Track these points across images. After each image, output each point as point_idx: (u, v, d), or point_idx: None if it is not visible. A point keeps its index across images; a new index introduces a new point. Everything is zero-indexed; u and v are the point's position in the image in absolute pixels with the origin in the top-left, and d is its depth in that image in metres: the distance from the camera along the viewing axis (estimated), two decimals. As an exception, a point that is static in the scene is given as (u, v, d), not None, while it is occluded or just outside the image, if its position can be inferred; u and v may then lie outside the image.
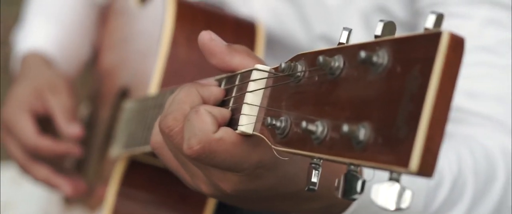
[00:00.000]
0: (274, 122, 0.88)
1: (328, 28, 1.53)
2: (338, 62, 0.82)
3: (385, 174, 0.76)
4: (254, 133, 0.94)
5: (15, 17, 2.39)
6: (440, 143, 0.72)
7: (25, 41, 1.84)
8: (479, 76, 1.35)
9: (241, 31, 1.50)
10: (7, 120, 1.64)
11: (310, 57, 0.88)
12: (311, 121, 0.82)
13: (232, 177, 0.99)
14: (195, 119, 0.95)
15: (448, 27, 1.35)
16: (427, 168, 0.72)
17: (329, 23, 1.52)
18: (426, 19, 0.76)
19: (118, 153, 1.48)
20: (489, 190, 1.29)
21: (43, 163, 1.63)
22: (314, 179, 0.86)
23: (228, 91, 1.02)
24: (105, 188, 1.51)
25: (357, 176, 0.80)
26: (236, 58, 1.01)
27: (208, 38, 1.02)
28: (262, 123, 0.93)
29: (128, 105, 1.51)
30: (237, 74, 1.01)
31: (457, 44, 0.73)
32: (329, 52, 0.85)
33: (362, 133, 0.76)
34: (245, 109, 0.95)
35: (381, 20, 0.81)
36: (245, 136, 0.96)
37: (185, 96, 0.99)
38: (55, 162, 1.64)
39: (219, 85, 1.05)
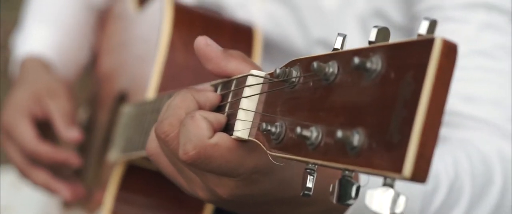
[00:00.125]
0: (269, 127, 0.89)
1: (325, 32, 1.53)
2: (332, 68, 0.83)
3: (381, 179, 0.76)
4: (250, 138, 0.95)
5: (14, 21, 2.39)
6: (433, 149, 0.73)
7: (24, 45, 1.84)
8: (476, 80, 1.36)
9: (239, 36, 1.50)
10: (7, 124, 1.64)
11: (305, 63, 0.88)
12: (306, 127, 0.83)
13: (228, 182, 0.99)
14: (190, 124, 0.95)
15: (445, 31, 1.37)
16: (420, 174, 0.72)
17: (327, 28, 1.53)
18: (419, 25, 0.76)
19: (116, 157, 1.48)
20: (486, 194, 1.29)
21: (42, 167, 1.63)
22: (309, 184, 0.87)
23: (224, 97, 1.03)
24: (103, 192, 1.51)
25: (351, 181, 0.80)
26: (232, 63, 1.02)
27: (203, 43, 1.03)
28: (257, 128, 0.94)
29: (126, 110, 1.51)
30: (233, 79, 1.01)
31: (450, 50, 0.73)
32: (324, 58, 0.85)
33: (356, 138, 0.76)
34: (240, 114, 0.95)
35: (375, 26, 0.82)
36: (240, 141, 0.96)
37: (180, 101, 1.00)
38: (54, 166, 1.64)
39: (215, 90, 1.05)
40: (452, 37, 1.34)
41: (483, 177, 1.29)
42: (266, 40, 1.56)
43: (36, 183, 1.64)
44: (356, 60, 0.78)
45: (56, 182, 1.63)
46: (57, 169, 1.65)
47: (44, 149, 1.59)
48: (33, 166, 1.63)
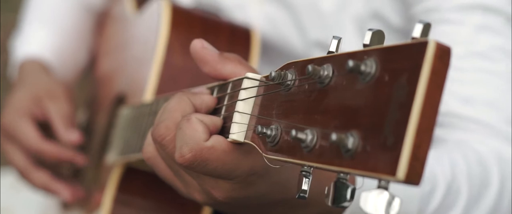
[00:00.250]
0: (264, 130, 0.89)
1: (323, 34, 1.53)
2: (327, 71, 0.83)
3: (376, 181, 0.76)
4: (245, 141, 0.95)
5: (14, 23, 2.39)
6: (427, 151, 0.73)
7: (23, 47, 1.85)
8: (473, 82, 1.36)
9: (236, 38, 1.51)
10: (7, 126, 1.64)
11: (300, 66, 0.89)
12: (301, 129, 0.83)
13: (224, 185, 1.00)
14: (186, 127, 0.95)
15: (442, 33, 1.37)
16: (414, 176, 0.73)
17: (324, 30, 1.53)
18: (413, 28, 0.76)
19: (114, 159, 1.48)
20: (483, 195, 1.29)
21: (43, 168, 1.63)
22: (305, 186, 0.87)
23: (220, 100, 1.03)
24: (102, 193, 1.51)
25: (346, 183, 0.80)
26: (228, 66, 1.02)
27: (200, 46, 1.03)
28: (253, 131, 0.94)
29: (124, 112, 1.51)
30: (229, 82, 1.02)
31: (443, 53, 0.74)
32: (319, 61, 0.85)
33: (351, 141, 0.77)
34: (236, 117, 0.96)
35: (369, 29, 0.82)
36: (236, 144, 0.96)
37: (176, 104, 1.00)
38: (54, 168, 1.65)
39: (211, 93, 1.05)
40: (449, 39, 1.35)
41: (480, 178, 1.29)
42: (264, 42, 1.56)
43: (36, 184, 1.64)
44: (351, 63, 0.78)
45: (56, 182, 1.64)
46: (57, 170, 1.66)
47: (49, 147, 1.59)
48: (34, 166, 1.63)
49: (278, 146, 0.88)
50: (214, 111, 1.03)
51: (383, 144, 0.74)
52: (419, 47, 0.74)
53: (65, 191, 1.63)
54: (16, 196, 1.96)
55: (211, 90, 1.06)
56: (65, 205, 1.83)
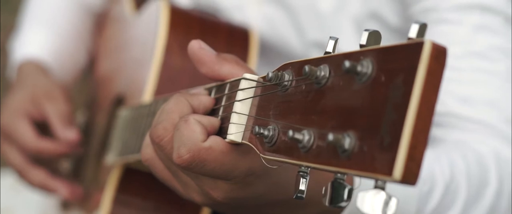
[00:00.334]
0: (262, 131, 0.89)
1: (321, 34, 1.54)
2: (324, 71, 0.83)
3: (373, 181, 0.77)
4: (243, 141, 0.95)
5: (13, 25, 2.40)
6: (423, 151, 0.73)
7: (22, 49, 1.85)
8: (471, 82, 1.36)
9: (235, 39, 1.51)
10: (5, 127, 1.65)
11: (297, 67, 0.89)
12: (298, 130, 0.83)
13: (223, 185, 1.00)
14: (184, 128, 0.96)
15: (440, 33, 1.37)
16: (410, 176, 0.73)
17: (323, 30, 1.53)
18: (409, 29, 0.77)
19: (113, 160, 1.48)
20: (482, 195, 1.29)
21: (41, 166, 1.63)
22: (302, 187, 0.87)
23: (217, 100, 1.03)
24: (101, 194, 1.51)
25: (344, 184, 0.80)
26: (225, 67, 1.02)
27: (197, 47, 1.03)
28: (251, 132, 0.94)
29: (123, 113, 1.51)
30: (227, 83, 1.02)
31: (439, 53, 0.74)
32: (315, 62, 0.85)
33: (347, 141, 0.77)
34: (233, 117, 0.96)
35: (366, 30, 0.82)
36: (234, 144, 0.96)
37: (174, 105, 1.00)
38: (52, 166, 1.65)
39: (209, 94, 1.05)
40: (447, 39, 1.36)
41: (478, 178, 1.29)
42: (262, 42, 1.57)
43: (33, 182, 1.64)
44: (347, 64, 0.78)
45: (54, 180, 1.64)
46: (55, 169, 1.66)
47: (45, 144, 1.60)
48: (32, 165, 1.63)
49: (275, 147, 0.88)
50: (212, 112, 1.03)
51: (380, 144, 0.74)
52: (415, 47, 0.74)
53: (63, 189, 1.63)
54: (16, 197, 1.97)
55: (209, 91, 1.06)
56: (65, 206, 1.83)
